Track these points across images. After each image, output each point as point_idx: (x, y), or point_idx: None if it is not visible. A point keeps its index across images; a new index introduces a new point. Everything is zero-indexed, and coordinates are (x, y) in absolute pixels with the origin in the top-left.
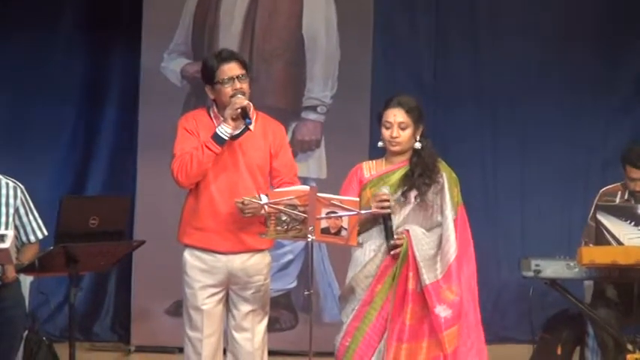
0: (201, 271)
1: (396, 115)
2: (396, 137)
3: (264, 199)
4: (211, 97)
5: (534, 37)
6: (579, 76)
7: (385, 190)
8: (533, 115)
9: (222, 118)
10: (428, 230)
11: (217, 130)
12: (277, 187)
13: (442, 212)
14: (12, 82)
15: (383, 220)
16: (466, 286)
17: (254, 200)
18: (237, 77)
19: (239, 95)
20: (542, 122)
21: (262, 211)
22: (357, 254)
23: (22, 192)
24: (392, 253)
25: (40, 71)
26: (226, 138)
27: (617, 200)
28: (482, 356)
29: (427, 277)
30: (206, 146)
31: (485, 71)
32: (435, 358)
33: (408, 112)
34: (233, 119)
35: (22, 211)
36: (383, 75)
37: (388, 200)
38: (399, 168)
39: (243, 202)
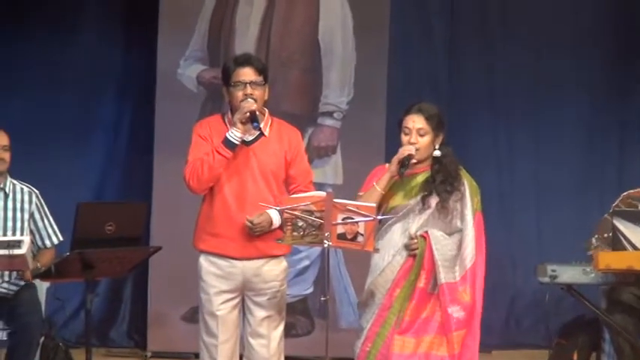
0: (217, 277)
1: (415, 122)
2: (415, 143)
3: (275, 214)
4: (227, 99)
5: (548, 39)
6: (594, 75)
7: (412, 149)
8: (548, 117)
9: None
10: (447, 235)
11: (227, 135)
12: (293, 194)
13: (463, 218)
14: (28, 86)
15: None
16: (478, 296)
17: (264, 205)
18: (250, 83)
19: (249, 99)
20: (557, 125)
21: (273, 227)
22: (375, 259)
23: (37, 197)
24: (410, 252)
25: (57, 77)
26: (237, 142)
27: None
28: None
29: (444, 277)
30: (217, 151)
31: (500, 75)
32: (442, 358)
33: (427, 119)
34: (242, 123)
35: (37, 216)
36: (399, 80)
37: (412, 153)
38: (421, 172)
39: (252, 222)
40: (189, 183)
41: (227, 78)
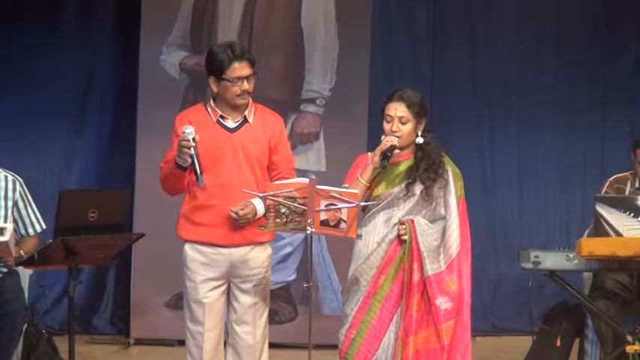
0: (203, 265)
1: (396, 110)
2: (396, 131)
3: (259, 203)
4: (214, 89)
5: (530, 27)
6: (576, 64)
7: (395, 140)
8: (530, 105)
9: (219, 113)
10: (431, 222)
11: (177, 160)
12: (275, 181)
13: (447, 206)
14: (15, 76)
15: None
16: (465, 284)
17: (247, 192)
18: (247, 77)
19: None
20: (539, 112)
21: (257, 216)
22: (359, 247)
23: (20, 185)
24: (401, 237)
25: (40, 66)
26: (186, 167)
27: (628, 188)
28: (468, 352)
29: (430, 268)
30: (171, 171)
31: (482, 62)
32: (434, 350)
33: (409, 106)
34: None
35: (20, 204)
36: (381, 67)
37: (395, 143)
38: (403, 160)
39: (237, 214)
40: (162, 188)
41: (219, 71)
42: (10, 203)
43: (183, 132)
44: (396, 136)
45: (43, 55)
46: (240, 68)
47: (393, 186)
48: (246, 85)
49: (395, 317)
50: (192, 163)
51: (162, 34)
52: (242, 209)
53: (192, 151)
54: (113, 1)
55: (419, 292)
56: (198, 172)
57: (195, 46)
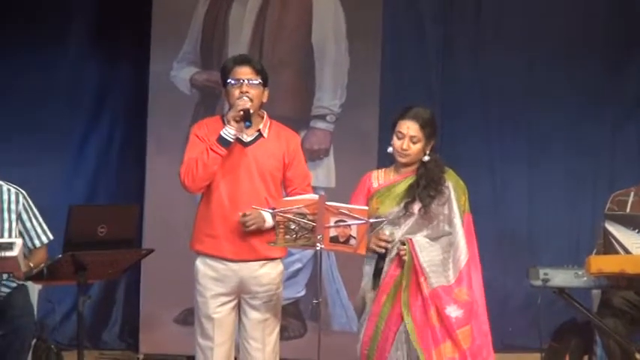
0: (213, 280)
1: (409, 128)
2: (406, 150)
3: (267, 215)
4: (225, 99)
5: (540, 44)
6: (585, 82)
7: (387, 232)
8: (540, 121)
9: None
10: (434, 239)
11: (222, 133)
12: (289, 197)
13: (450, 221)
14: (23, 90)
15: (377, 259)
16: (477, 293)
17: (258, 209)
18: (246, 81)
19: (244, 98)
20: (549, 128)
21: (266, 225)
22: (367, 268)
23: (24, 198)
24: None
25: (51, 80)
26: (231, 140)
27: (631, 199)
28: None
29: (435, 282)
30: (211, 149)
31: (492, 79)
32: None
33: (422, 126)
34: (236, 121)
35: (24, 216)
36: (391, 84)
37: (389, 242)
38: (405, 178)
39: (244, 216)
40: (184, 182)
41: (225, 76)
42: (13, 216)
43: (242, 98)
44: (405, 154)
45: (52, 69)
46: (240, 72)
47: (392, 206)
48: (244, 87)
49: (397, 335)
50: (247, 111)
51: (173, 49)
52: (247, 212)
53: (247, 105)
54: (124, 16)
55: (434, 304)
56: (249, 120)
57: (205, 62)
